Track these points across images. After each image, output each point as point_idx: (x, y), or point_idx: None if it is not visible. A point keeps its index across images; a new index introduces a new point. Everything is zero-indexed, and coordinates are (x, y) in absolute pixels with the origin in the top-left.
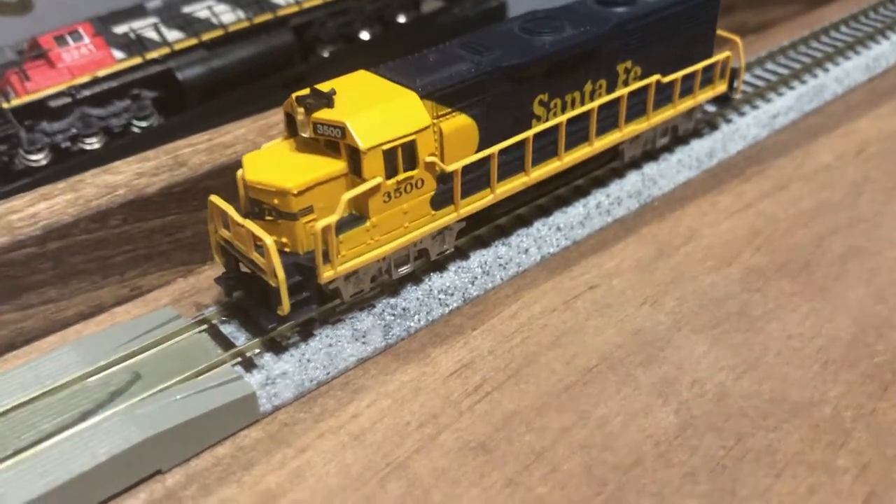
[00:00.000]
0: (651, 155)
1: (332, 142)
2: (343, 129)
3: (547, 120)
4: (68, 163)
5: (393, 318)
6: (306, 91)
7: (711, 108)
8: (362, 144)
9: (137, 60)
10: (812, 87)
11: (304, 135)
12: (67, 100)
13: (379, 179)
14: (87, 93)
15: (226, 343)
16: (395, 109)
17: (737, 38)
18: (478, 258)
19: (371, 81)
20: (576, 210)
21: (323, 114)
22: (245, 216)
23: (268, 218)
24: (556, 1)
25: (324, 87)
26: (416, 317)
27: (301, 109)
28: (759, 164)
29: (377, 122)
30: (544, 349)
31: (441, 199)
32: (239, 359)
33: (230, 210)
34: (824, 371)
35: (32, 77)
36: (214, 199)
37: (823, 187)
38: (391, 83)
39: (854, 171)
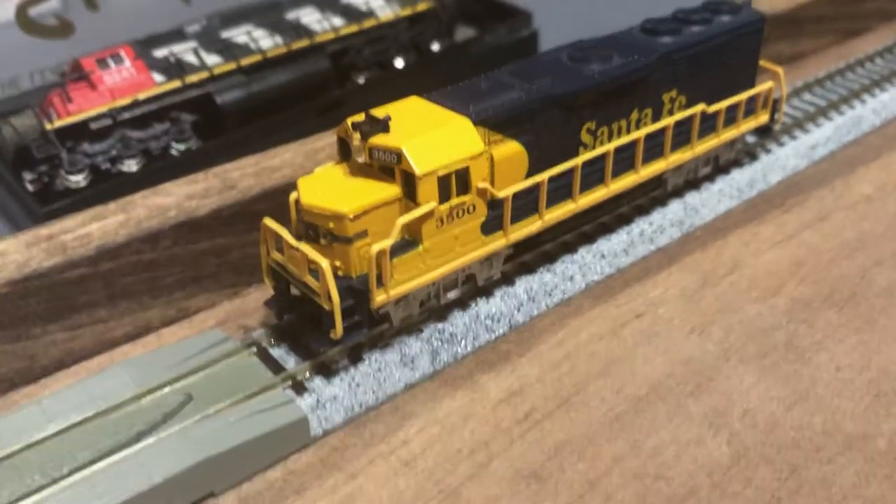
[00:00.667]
0: (693, 184)
1: (387, 167)
2: (399, 155)
3: (594, 148)
4: (107, 184)
5: (440, 343)
6: (361, 116)
7: (751, 139)
8: (418, 170)
9: (177, 84)
10: (850, 118)
11: (360, 160)
12: (108, 122)
13: (433, 204)
14: (127, 115)
15: (275, 366)
16: (449, 135)
17: (779, 69)
18: (524, 284)
19: (424, 107)
20: (619, 238)
21: (379, 139)
22: (298, 239)
23: (322, 241)
24: (587, 30)
25: (378, 112)
26: (464, 342)
27: (357, 135)
28: (799, 194)
29: (432, 148)
30: (593, 377)
31: (491, 225)
32: (289, 382)
33: (284, 233)
34: (876, 403)
35: (74, 99)
36: (268, 221)
37: (865, 218)
38: (444, 109)
39: (895, 203)
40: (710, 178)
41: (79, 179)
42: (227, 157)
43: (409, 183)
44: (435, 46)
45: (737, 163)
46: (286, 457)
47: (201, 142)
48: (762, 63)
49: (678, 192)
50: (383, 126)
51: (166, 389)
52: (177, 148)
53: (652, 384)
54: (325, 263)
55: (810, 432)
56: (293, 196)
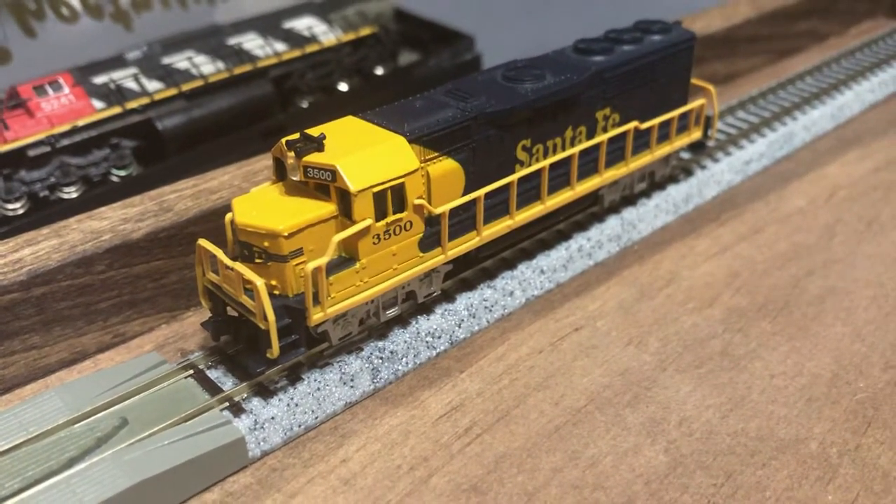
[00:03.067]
0: (629, 200)
1: (322, 185)
2: (334, 172)
3: (530, 165)
4: (46, 211)
5: (381, 361)
6: (296, 135)
7: (686, 155)
8: (353, 187)
9: (117, 110)
10: (782, 134)
11: (295, 178)
12: (46, 149)
13: (369, 221)
14: (66, 142)
15: (213, 388)
16: (384, 153)
17: (710, 87)
18: (464, 301)
19: (359, 126)
20: (558, 253)
21: (313, 157)
22: (234, 259)
23: (257, 261)
24: (529, 53)
25: (313, 131)
26: (404, 360)
27: (291, 153)
28: (734, 208)
29: (367, 166)
30: (532, 390)
31: (429, 242)
32: (227, 403)
33: (219, 253)
34: (808, 408)
35: (11, 126)
36: (203, 242)
37: (797, 230)
38: (379, 128)
39: (826, 215)
40: (646, 193)
41: (16, 207)
42: (168, 183)
43: (345, 200)
44: (379, 70)
45: (672, 179)
46: (223, 479)
47: (142, 168)
48: (694, 81)
49: (615, 208)
50: (318, 144)
51: (101, 414)
52: (117, 174)
53: (590, 395)
54: (259, 282)
55: (745, 438)
56: (229, 216)
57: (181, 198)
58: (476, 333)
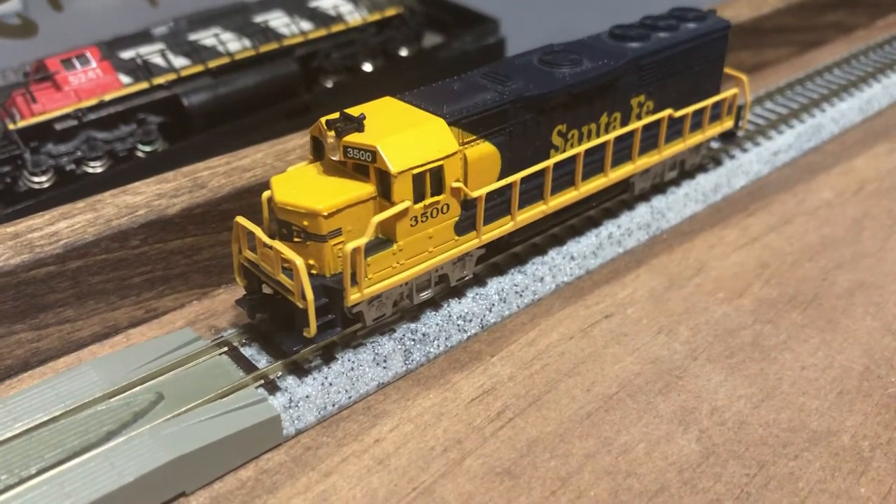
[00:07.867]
0: (659, 188)
1: (361, 165)
2: (374, 153)
3: (565, 150)
4: (72, 185)
5: (413, 343)
6: (336, 115)
7: (716, 145)
8: (393, 168)
9: (144, 85)
10: (810, 126)
11: (334, 158)
12: (73, 123)
13: (407, 203)
14: (92, 116)
15: (247, 365)
16: (423, 135)
17: (743, 76)
18: (495, 285)
19: (398, 108)
20: (588, 240)
21: (353, 138)
22: (271, 238)
23: (296, 240)
24: (554, 38)
25: (353, 111)
26: (436, 342)
27: (331, 133)
28: (762, 199)
29: (407, 147)
30: (564, 376)
31: (464, 225)
32: (262, 381)
33: (258, 231)
34: (840, 401)
35: (39, 99)
36: (241, 219)
37: (826, 222)
38: (418, 110)
39: (854, 208)
40: (676, 182)
41: (42, 180)
42: (193, 160)
43: (384, 181)
44: (403, 51)
45: (702, 168)
46: (258, 456)
47: (168, 143)
48: (727, 70)
49: (645, 196)
50: (358, 124)
51: (136, 388)
52: (143, 149)
53: (621, 383)
54: (299, 261)
55: (777, 429)
56: (266, 194)
57: (214, 175)
58: (506, 318)
